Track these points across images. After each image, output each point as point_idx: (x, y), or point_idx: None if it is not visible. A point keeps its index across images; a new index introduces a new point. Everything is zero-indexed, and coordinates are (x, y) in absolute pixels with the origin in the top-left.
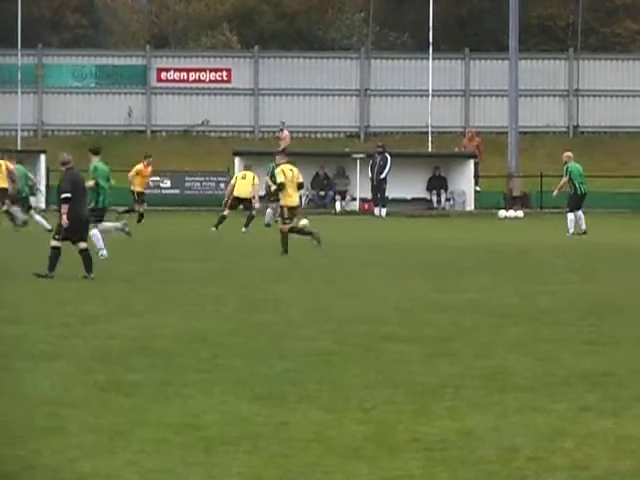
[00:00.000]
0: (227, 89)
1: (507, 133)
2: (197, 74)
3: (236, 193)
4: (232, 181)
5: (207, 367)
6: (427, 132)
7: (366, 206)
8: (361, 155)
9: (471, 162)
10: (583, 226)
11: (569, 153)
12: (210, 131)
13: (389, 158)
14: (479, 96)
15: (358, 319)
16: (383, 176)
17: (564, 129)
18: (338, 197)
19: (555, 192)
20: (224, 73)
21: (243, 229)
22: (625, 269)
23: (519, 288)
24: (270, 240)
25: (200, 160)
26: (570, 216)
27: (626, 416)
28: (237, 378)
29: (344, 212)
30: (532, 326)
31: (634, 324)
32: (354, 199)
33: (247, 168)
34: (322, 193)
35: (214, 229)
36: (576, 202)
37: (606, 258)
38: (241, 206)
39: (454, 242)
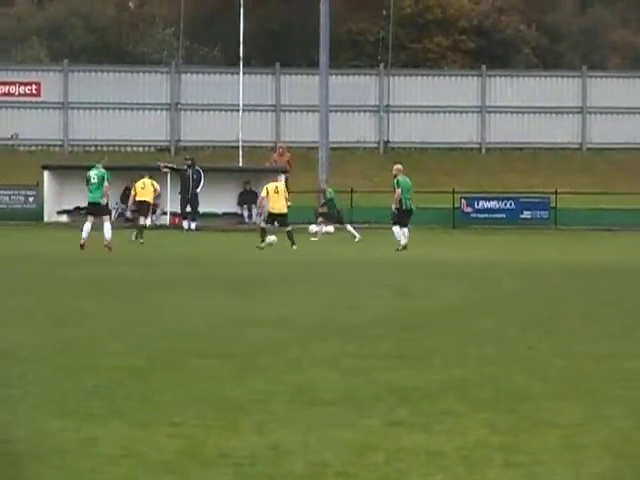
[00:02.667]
0: (36, 102)
1: (318, 148)
2: (6, 87)
3: (270, 209)
4: (263, 193)
5: (15, 382)
6: (238, 146)
7: (176, 220)
8: (167, 169)
9: (282, 177)
10: (403, 241)
11: (399, 166)
12: (19, 145)
13: (202, 172)
14: (290, 111)
15: (166, 334)
16: (199, 190)
17: (375, 144)
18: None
19: (393, 207)
20: (33, 87)
21: (294, 247)
22: (436, 284)
23: (328, 302)
24: (88, 255)
25: (8, 174)
26: (396, 229)
27: (437, 431)
28: (44, 393)
29: (154, 226)
30: (340, 341)
31: (444, 339)
32: (164, 213)
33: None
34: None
35: (261, 246)
36: (400, 217)
37: (418, 273)
38: (276, 223)
39: (262, 257)
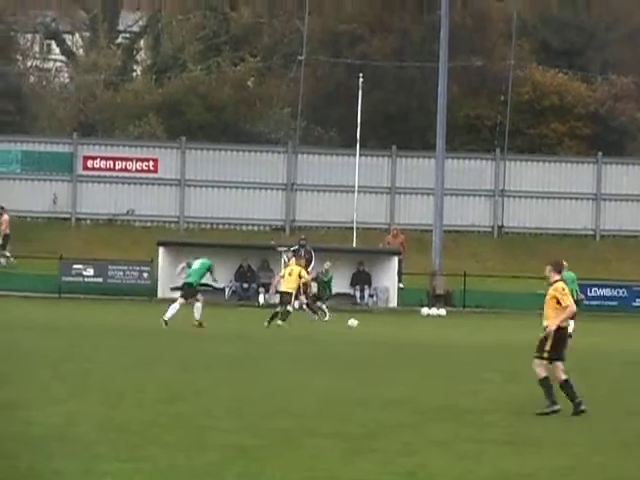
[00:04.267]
0: (153, 179)
1: (432, 231)
2: (123, 163)
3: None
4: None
5: (126, 457)
6: (352, 227)
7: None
8: (285, 248)
9: (395, 259)
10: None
11: (564, 263)
12: (135, 220)
13: (313, 252)
14: (404, 194)
15: (279, 413)
16: (310, 269)
17: (489, 229)
18: (262, 289)
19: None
20: (150, 163)
21: (279, 322)
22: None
23: (441, 386)
24: (194, 331)
25: (124, 249)
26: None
27: None
28: (156, 468)
29: (267, 305)
30: (453, 425)
31: (553, 425)
32: (277, 292)
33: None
34: (246, 285)
35: (266, 324)
36: None
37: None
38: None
39: (377, 338)
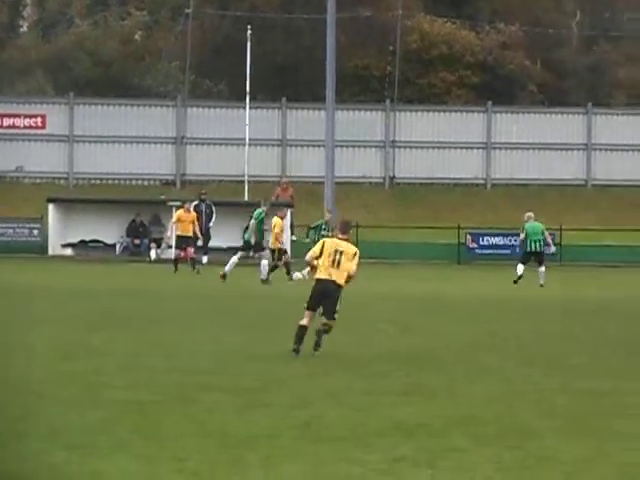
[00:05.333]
0: (41, 135)
1: (323, 183)
2: (11, 120)
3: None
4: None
5: (19, 415)
6: (243, 181)
7: (182, 254)
8: (177, 203)
9: (288, 212)
10: (520, 272)
11: (530, 213)
12: (24, 177)
13: (213, 206)
14: (295, 146)
15: (173, 369)
16: (211, 224)
17: (380, 180)
18: (153, 245)
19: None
20: (38, 119)
21: (294, 276)
22: (441, 320)
23: (335, 337)
24: (91, 288)
25: (13, 206)
26: (519, 266)
27: (441, 467)
28: (50, 426)
29: (159, 260)
30: (348, 376)
31: (448, 375)
32: (170, 247)
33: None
34: (137, 241)
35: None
36: (525, 257)
37: (422, 309)
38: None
39: (273, 292)
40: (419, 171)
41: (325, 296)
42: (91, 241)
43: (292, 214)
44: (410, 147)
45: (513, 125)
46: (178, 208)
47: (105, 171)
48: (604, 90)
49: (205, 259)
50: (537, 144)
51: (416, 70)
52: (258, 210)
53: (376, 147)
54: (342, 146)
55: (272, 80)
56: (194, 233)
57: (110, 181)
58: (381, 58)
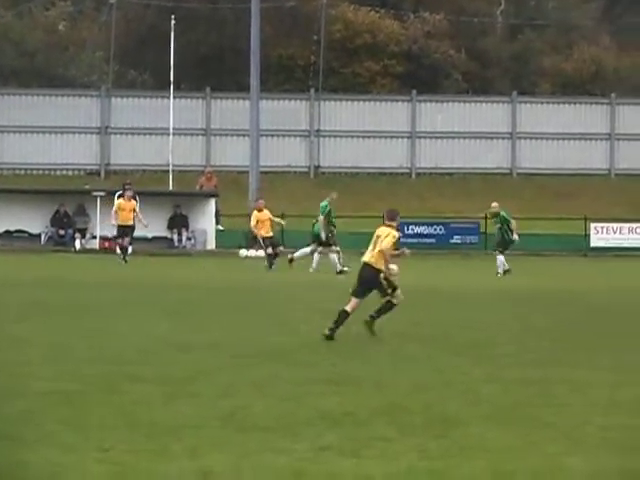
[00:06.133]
0: None
1: (248, 172)
2: None
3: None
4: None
5: None
6: (168, 170)
7: (106, 244)
8: (102, 193)
9: (212, 201)
10: (502, 268)
11: (496, 204)
12: None
13: (137, 196)
14: (220, 135)
15: (99, 359)
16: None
17: (305, 169)
18: (78, 235)
19: (515, 236)
20: None
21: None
22: (364, 309)
23: (261, 328)
24: (16, 278)
25: None
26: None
27: (366, 456)
28: None
29: (84, 250)
30: (274, 366)
31: (376, 364)
32: (94, 237)
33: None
34: (62, 231)
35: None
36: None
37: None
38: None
39: (196, 281)
40: (344, 160)
41: (364, 280)
42: (16, 231)
43: (217, 203)
44: (335, 136)
45: (438, 114)
46: (119, 197)
47: (29, 161)
48: (529, 79)
49: (130, 249)
50: (462, 133)
51: (340, 59)
52: (323, 203)
53: (301, 136)
54: (267, 135)
55: (196, 70)
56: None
57: (35, 171)
58: (305, 47)
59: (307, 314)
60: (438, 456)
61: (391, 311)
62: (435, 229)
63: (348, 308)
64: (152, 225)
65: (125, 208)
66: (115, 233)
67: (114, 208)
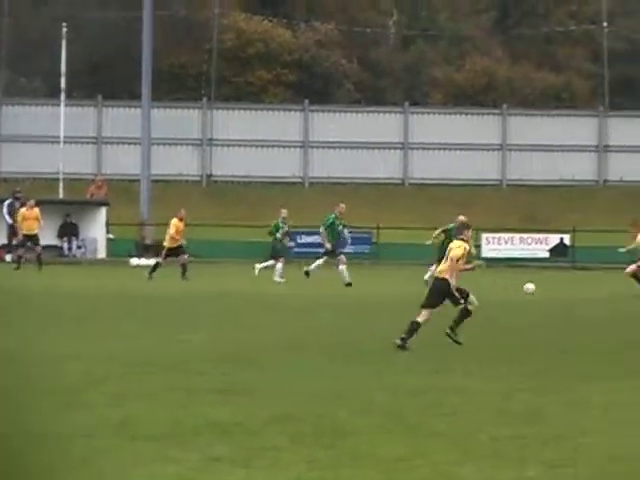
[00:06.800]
0: None
1: (139, 181)
2: None
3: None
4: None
5: None
6: (58, 178)
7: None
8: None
9: (103, 209)
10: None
11: (342, 204)
12: None
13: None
14: (111, 143)
15: None
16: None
17: (197, 178)
18: None
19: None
20: None
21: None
22: (260, 318)
23: (152, 337)
24: None
25: None
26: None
27: (257, 466)
28: None
29: None
30: (164, 375)
31: (268, 373)
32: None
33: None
34: None
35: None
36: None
37: (243, 307)
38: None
39: (87, 290)
40: (237, 169)
41: (435, 291)
42: None
43: (107, 212)
44: (227, 145)
45: (330, 124)
46: (21, 205)
47: None
48: (421, 89)
49: (30, 257)
50: (354, 143)
51: (233, 68)
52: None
53: (193, 145)
54: (158, 144)
55: (88, 77)
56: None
57: None
58: (197, 56)
59: (198, 322)
60: (328, 466)
61: (468, 318)
62: None
63: (420, 319)
64: (43, 233)
65: (29, 217)
66: (15, 242)
67: (18, 218)
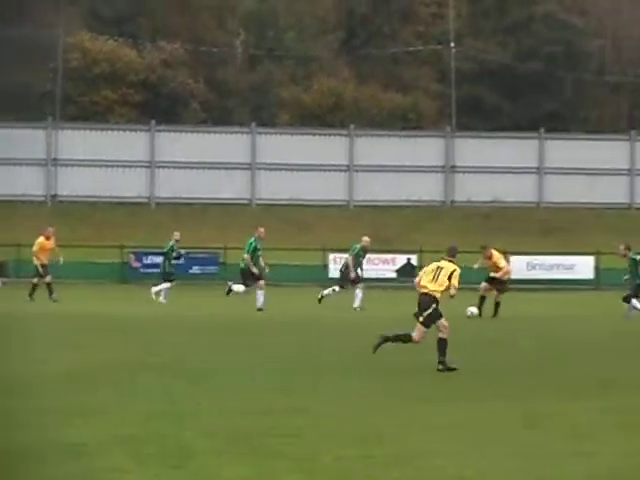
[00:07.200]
0: None
1: None
2: None
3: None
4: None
5: None
6: None
7: None
8: None
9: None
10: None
11: (366, 238)
12: None
13: None
14: None
15: None
16: None
17: (42, 198)
18: None
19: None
20: None
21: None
22: (103, 338)
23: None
24: None
25: None
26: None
27: None
28: None
29: None
30: (8, 397)
31: (107, 394)
32: None
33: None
34: None
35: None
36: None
37: (84, 328)
38: None
39: None
40: (82, 189)
41: (423, 307)
42: None
43: None
44: (73, 165)
45: (176, 143)
46: None
47: None
48: (269, 110)
49: None
50: (201, 163)
51: (78, 88)
52: (356, 245)
53: (38, 165)
54: (1, 164)
55: None
56: None
57: None
58: (42, 75)
59: (53, 343)
60: None
61: (444, 347)
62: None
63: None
64: None
65: None
66: None
67: None
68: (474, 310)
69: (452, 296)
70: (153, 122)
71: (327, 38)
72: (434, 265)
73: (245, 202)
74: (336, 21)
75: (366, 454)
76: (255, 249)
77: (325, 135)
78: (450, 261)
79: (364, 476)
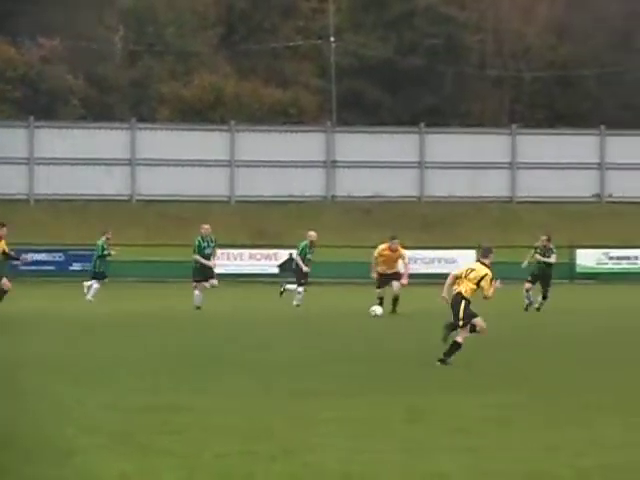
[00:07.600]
0: None
1: None
2: None
3: None
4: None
5: None
6: None
7: None
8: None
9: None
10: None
11: (312, 232)
12: None
13: None
14: None
15: None
16: None
17: None
18: None
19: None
20: None
21: None
22: None
23: None
24: None
25: None
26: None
27: None
28: None
29: None
30: None
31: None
32: None
33: None
34: None
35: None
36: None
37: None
38: None
39: None
40: None
41: (453, 309)
42: None
43: None
44: None
45: (56, 139)
46: None
47: None
48: (149, 105)
49: None
50: (81, 159)
51: None
52: (300, 243)
53: None
54: None
55: None
56: None
57: None
58: None
59: None
60: None
61: (455, 350)
62: (54, 256)
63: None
64: None
65: None
66: None
67: None
68: (378, 310)
69: (486, 297)
70: (32, 118)
71: (207, 33)
72: (467, 267)
73: (125, 198)
74: (216, 16)
75: (250, 450)
76: (199, 246)
77: (206, 130)
78: (483, 263)
79: (246, 471)
